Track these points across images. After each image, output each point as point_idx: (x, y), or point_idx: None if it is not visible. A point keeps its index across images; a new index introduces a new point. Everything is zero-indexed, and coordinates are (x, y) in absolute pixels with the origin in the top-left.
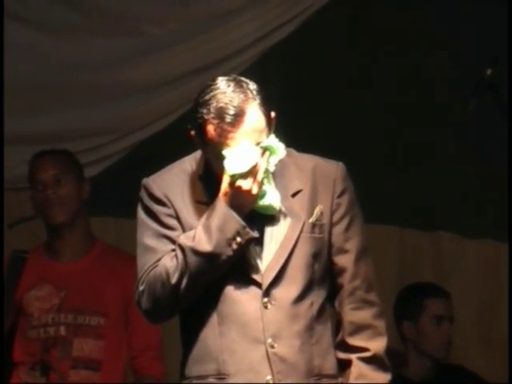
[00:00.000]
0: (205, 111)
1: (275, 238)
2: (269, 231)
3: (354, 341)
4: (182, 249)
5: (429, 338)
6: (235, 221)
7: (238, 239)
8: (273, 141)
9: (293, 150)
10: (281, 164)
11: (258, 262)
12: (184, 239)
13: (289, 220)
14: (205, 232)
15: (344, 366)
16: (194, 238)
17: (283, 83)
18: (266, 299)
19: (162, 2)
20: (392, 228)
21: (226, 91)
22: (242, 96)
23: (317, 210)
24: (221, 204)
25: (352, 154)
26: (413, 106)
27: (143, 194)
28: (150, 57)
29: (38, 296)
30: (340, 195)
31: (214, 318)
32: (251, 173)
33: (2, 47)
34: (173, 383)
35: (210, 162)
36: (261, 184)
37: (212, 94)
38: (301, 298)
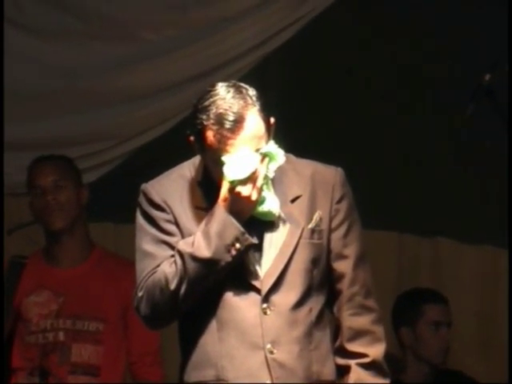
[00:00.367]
0: (204, 117)
1: (274, 244)
2: (268, 237)
3: (353, 347)
4: (181, 255)
5: (427, 343)
6: (234, 227)
7: (237, 245)
8: (272, 147)
9: (291, 156)
10: (279, 170)
11: (257, 268)
12: (183, 245)
13: (288, 226)
14: (204, 238)
15: (343, 371)
16: (193, 244)
17: (283, 88)
18: (265, 305)
19: (161, 9)
20: (390, 234)
21: (225, 97)
22: (241, 102)
23: (316, 216)
24: (220, 210)
25: (351, 159)
26: (413, 112)
27: (142, 200)
28: (148, 63)
29: (37, 302)
30: (339, 201)
31: (213, 324)
32: (250, 179)
33: (1, 54)
34: None
35: (208, 168)
36: (260, 190)
37: (211, 99)
38: (300, 303)
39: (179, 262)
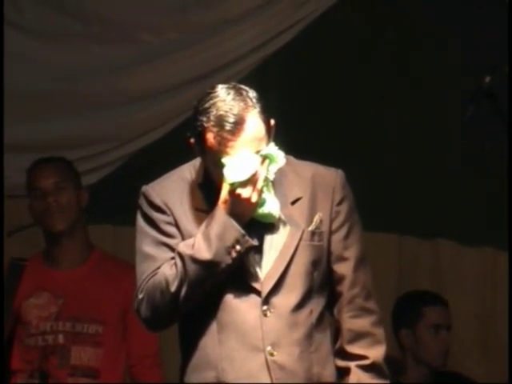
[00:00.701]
0: (204, 119)
1: (274, 246)
2: (268, 239)
3: (353, 349)
4: (182, 257)
5: (427, 346)
6: (235, 229)
7: (238, 247)
8: (272, 149)
9: (292, 158)
10: (280, 172)
11: (258, 270)
12: (183, 247)
13: (288, 228)
14: (204, 240)
15: (343, 373)
16: (193, 246)
17: (283, 89)
18: (265, 307)
19: (160, 11)
20: (391, 236)
21: (225, 99)
22: (241, 104)
23: (316, 218)
24: (220, 212)
25: (351, 161)
26: (413, 113)
27: (142, 202)
28: (147, 65)
29: (37, 304)
30: (339, 203)
31: (213, 326)
32: (251, 181)
33: (1, 56)
34: None
35: (209, 170)
36: (260, 192)
37: (212, 101)
38: (300, 305)
39: (179, 264)
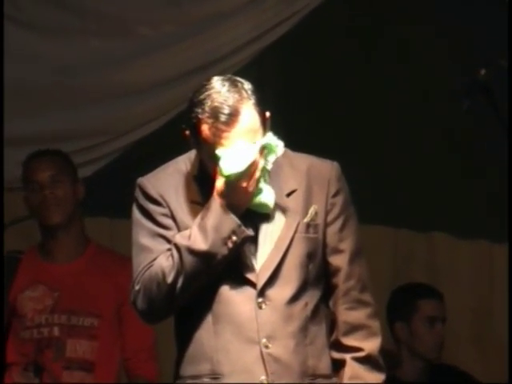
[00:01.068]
0: (199, 110)
1: (270, 238)
2: (263, 231)
3: (349, 341)
4: (178, 248)
5: (421, 338)
6: (231, 220)
7: (234, 238)
8: (272, 138)
9: (287, 150)
10: (275, 164)
11: (253, 261)
12: (180, 239)
13: (283, 220)
14: (200, 232)
15: (338, 365)
16: (189, 237)
17: (279, 82)
18: (260, 299)
19: (157, 5)
20: (386, 228)
21: (220, 91)
22: (236, 96)
23: (311, 210)
24: (215, 203)
25: (347, 154)
26: (407, 106)
27: (138, 194)
28: (144, 58)
29: (32, 297)
30: (334, 195)
31: (208, 318)
32: (248, 171)
33: (2, 51)
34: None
35: (204, 162)
36: (257, 182)
37: (207, 93)
38: (295, 298)
39: (176, 255)
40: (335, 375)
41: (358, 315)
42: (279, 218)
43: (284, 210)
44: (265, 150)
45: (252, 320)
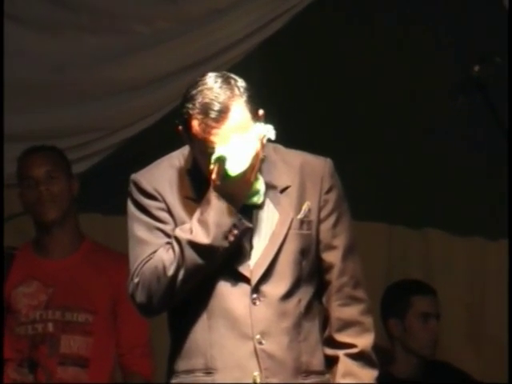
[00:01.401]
0: (190, 106)
1: (264, 234)
2: (257, 227)
3: (342, 337)
4: (179, 241)
5: (415, 335)
6: (231, 213)
7: (235, 231)
8: (262, 127)
9: (280, 146)
10: (268, 160)
11: (247, 258)
12: (180, 232)
13: (277, 216)
14: (201, 226)
15: (331, 362)
16: (190, 231)
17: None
18: (254, 295)
19: (151, 1)
20: (380, 225)
21: (212, 87)
22: (228, 93)
23: (305, 207)
24: (215, 198)
25: (341, 150)
26: (402, 104)
27: (132, 189)
28: (138, 55)
29: (26, 293)
30: (328, 192)
31: (203, 314)
32: (251, 163)
33: (1, 48)
34: (160, 383)
35: (196, 157)
36: (256, 170)
37: (199, 89)
38: (289, 294)
39: (177, 248)
40: (328, 371)
41: (351, 311)
42: (273, 214)
43: (277, 207)
44: (264, 139)
45: (246, 316)
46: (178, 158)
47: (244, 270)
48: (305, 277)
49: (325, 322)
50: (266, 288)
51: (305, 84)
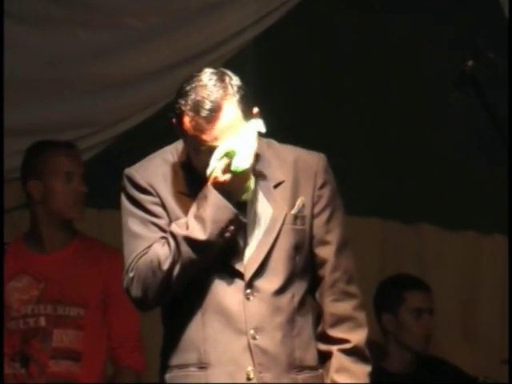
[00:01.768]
0: (183, 102)
1: (257, 230)
2: (251, 222)
3: (335, 332)
4: (175, 237)
5: (409, 330)
6: (228, 210)
7: (231, 227)
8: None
9: (274, 142)
10: (262, 156)
11: (241, 253)
12: (176, 228)
13: (271, 211)
14: (198, 222)
15: (325, 357)
16: (186, 226)
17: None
18: (248, 290)
19: None
20: (374, 220)
21: (206, 84)
22: (221, 91)
23: (298, 202)
24: (212, 193)
25: (334, 145)
26: (397, 99)
27: (126, 184)
28: (131, 50)
29: (17, 287)
30: (321, 187)
31: (196, 309)
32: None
33: (2, 45)
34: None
35: (188, 152)
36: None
37: (193, 85)
38: (282, 290)
39: (173, 243)
40: (321, 367)
41: (345, 307)
42: (267, 209)
43: (271, 202)
44: (256, 133)
45: (240, 311)
46: (172, 152)
47: (238, 265)
48: (298, 272)
49: (318, 317)
50: (259, 283)
51: (301, 78)
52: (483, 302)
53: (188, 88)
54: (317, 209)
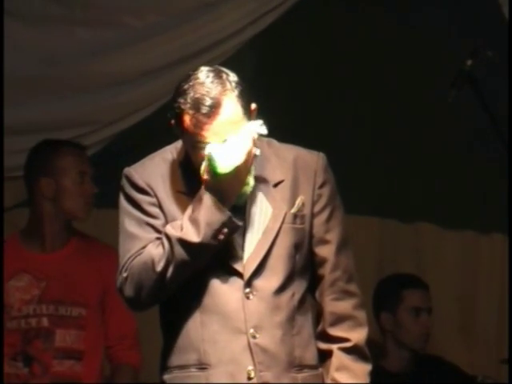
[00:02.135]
0: (182, 101)
1: (257, 229)
2: (250, 222)
3: (335, 331)
4: (169, 238)
5: (407, 329)
6: (222, 213)
7: (225, 230)
8: (254, 124)
9: (274, 141)
10: (262, 155)
11: (240, 252)
12: (170, 229)
13: (270, 210)
14: (192, 224)
15: (325, 356)
16: (181, 228)
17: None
18: (247, 290)
19: None
20: (372, 219)
21: (204, 82)
22: (219, 87)
23: (298, 201)
24: (206, 197)
25: (332, 144)
26: (396, 97)
27: (125, 183)
28: (129, 48)
29: (18, 287)
30: (321, 186)
31: (195, 309)
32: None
33: (2, 43)
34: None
35: (188, 152)
36: (249, 169)
37: (191, 83)
38: (282, 288)
39: (167, 245)
40: (321, 366)
41: (345, 306)
42: (266, 208)
43: (271, 201)
44: (255, 136)
45: (239, 310)
46: (171, 152)
47: (237, 264)
48: (298, 271)
49: (318, 316)
50: (258, 282)
51: (301, 77)
52: (482, 300)
53: (186, 86)
54: (316, 208)
